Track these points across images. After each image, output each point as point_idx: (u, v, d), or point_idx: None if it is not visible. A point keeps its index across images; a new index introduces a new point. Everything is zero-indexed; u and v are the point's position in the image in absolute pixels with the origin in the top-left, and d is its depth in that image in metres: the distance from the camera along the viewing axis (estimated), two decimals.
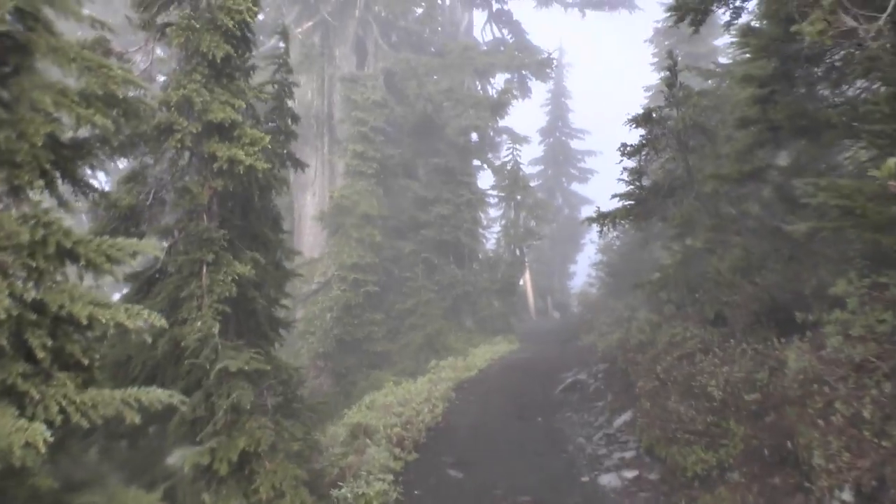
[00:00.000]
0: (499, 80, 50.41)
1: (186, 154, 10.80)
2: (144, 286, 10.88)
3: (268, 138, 10.71)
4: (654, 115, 14.31)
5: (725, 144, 14.17)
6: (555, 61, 51.93)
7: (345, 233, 33.34)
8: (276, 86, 15.65)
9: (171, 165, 10.46)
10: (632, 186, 15.42)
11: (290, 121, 15.80)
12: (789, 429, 9.28)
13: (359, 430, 16.32)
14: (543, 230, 51.58)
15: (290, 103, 15.88)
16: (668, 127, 14.54)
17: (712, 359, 12.76)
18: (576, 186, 69.00)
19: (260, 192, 13.45)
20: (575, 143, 68.34)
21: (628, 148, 14.76)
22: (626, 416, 15.85)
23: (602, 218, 15.37)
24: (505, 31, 52.91)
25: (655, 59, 51.80)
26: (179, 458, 8.58)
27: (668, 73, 14.70)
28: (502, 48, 50.35)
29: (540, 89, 68.29)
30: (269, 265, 12.94)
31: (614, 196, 15.71)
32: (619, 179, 15.63)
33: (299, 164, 15.99)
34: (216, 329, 9.63)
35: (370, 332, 32.27)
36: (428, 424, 17.15)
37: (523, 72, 55.38)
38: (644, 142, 14.58)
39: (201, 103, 9.71)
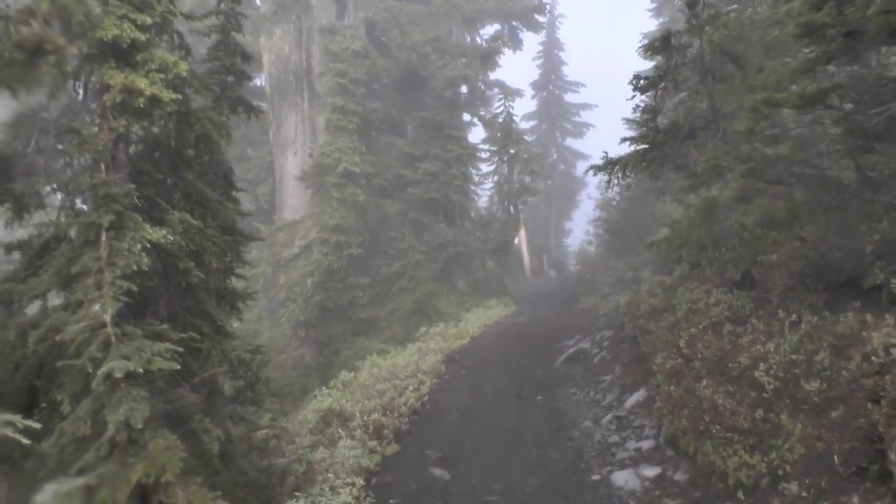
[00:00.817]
0: (488, 32, 47.70)
1: (78, 87, 8.42)
2: (35, 259, 8.56)
3: (185, 65, 8.29)
4: (672, 40, 11.86)
5: (758, 75, 11.80)
6: (547, 7, 49.29)
7: (326, 193, 30.95)
8: (220, 17, 13.24)
9: (50, 100, 8.07)
10: (645, 128, 13.05)
11: (240, 59, 13.39)
12: (869, 430, 7.09)
13: (331, 416, 14.17)
14: (539, 186, 49.37)
15: (237, 37, 13.49)
16: (690, 56, 12.11)
17: (751, 333, 10.52)
18: (571, 141, 66.31)
19: (200, 142, 11.17)
20: (569, 97, 65.61)
21: (642, 81, 12.32)
22: (638, 395, 13.70)
23: (610, 165, 13.01)
24: None
25: (654, 5, 49.14)
26: (49, 496, 6.32)
27: None
28: None
29: (532, 42, 65.44)
30: (211, 229, 10.62)
31: (624, 140, 13.35)
32: (628, 119, 13.28)
33: (252, 110, 13.61)
34: (108, 316, 7.23)
35: (354, 297, 30.05)
36: (412, 407, 14.95)
37: (514, 22, 52.82)
38: (661, 73, 12.14)
39: (84, 15, 7.29)
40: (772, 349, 9.38)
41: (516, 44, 53.90)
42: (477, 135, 51.69)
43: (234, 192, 13.39)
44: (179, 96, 8.23)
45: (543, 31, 59.98)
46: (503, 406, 15.09)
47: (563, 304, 31.92)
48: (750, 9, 14.87)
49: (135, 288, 7.67)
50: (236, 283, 13.93)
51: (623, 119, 13.61)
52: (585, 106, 64.78)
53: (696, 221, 13.54)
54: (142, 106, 7.64)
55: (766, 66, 11.98)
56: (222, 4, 13.08)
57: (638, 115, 12.91)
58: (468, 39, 44.43)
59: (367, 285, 30.67)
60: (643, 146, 12.82)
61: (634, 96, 12.45)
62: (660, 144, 12.50)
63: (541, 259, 53.05)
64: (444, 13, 39.58)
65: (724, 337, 11.35)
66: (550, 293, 38.61)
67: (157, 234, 8.04)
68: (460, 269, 34.38)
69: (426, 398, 15.86)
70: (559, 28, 65.79)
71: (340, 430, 13.19)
